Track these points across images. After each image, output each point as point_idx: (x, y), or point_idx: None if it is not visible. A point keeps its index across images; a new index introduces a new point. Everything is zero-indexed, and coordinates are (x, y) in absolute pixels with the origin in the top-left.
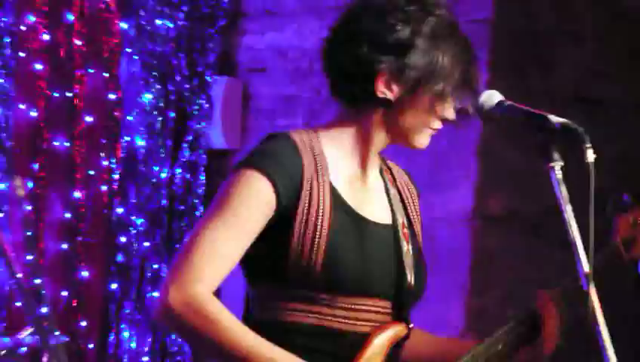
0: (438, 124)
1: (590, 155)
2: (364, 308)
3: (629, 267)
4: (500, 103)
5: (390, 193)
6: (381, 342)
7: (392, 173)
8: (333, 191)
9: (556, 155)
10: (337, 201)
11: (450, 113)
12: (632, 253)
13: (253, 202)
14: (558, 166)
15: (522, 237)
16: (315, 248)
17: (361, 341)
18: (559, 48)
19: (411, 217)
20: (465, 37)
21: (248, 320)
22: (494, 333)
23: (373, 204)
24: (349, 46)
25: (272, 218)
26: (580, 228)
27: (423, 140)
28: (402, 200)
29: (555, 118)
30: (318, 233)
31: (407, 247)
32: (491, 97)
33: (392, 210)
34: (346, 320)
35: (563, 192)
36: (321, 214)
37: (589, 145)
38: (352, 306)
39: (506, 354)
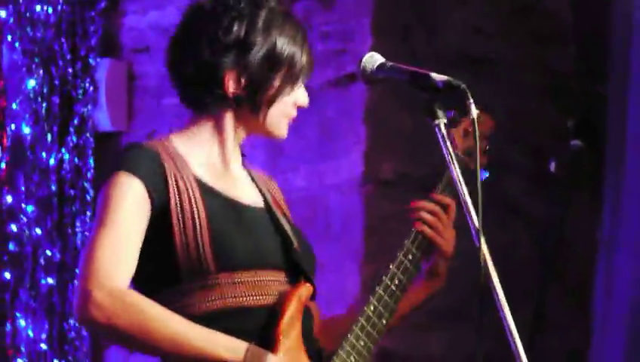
0: (293, 112)
1: (474, 111)
2: (264, 280)
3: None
4: (381, 65)
5: (255, 178)
6: (293, 308)
7: (251, 171)
8: (199, 182)
9: (440, 113)
10: (206, 190)
11: (302, 98)
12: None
13: (129, 200)
14: (442, 123)
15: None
16: (199, 239)
17: (270, 314)
18: (443, 9)
19: (279, 200)
20: (297, 21)
21: None
22: (399, 250)
23: (242, 189)
24: (190, 54)
25: (151, 216)
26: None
27: (282, 130)
28: (268, 187)
29: (437, 76)
30: (197, 223)
31: (283, 220)
32: (373, 60)
33: (261, 192)
34: (251, 296)
35: (449, 149)
36: (194, 205)
37: (471, 100)
38: (253, 280)
39: (415, 268)
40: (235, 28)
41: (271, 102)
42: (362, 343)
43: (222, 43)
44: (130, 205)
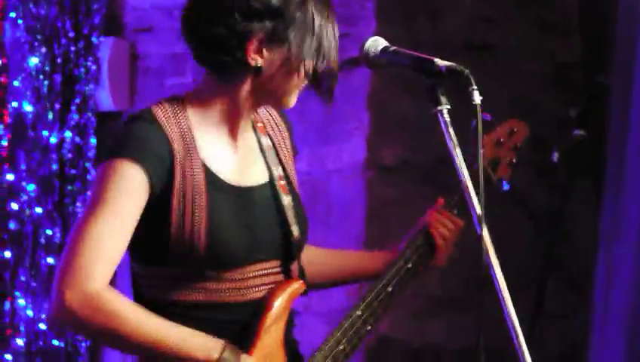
0: (305, 82)
1: (477, 97)
2: (253, 274)
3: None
4: (385, 49)
5: (264, 147)
6: (281, 304)
7: (261, 121)
8: (206, 170)
9: (443, 99)
10: (211, 179)
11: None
12: (499, 173)
13: (128, 192)
14: (445, 109)
15: (416, 186)
16: (195, 231)
17: (257, 306)
18: None
19: (285, 165)
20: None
21: (139, 298)
22: (398, 257)
23: (248, 167)
24: (218, 16)
25: (149, 203)
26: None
27: (293, 100)
28: (276, 150)
29: (440, 62)
30: (197, 216)
31: (287, 200)
32: (376, 43)
33: (268, 166)
34: (236, 292)
35: (452, 135)
36: (197, 196)
37: (475, 87)
38: (241, 277)
39: (412, 273)
40: None
41: (288, 73)
42: (342, 348)
43: (253, 9)
44: (128, 197)
